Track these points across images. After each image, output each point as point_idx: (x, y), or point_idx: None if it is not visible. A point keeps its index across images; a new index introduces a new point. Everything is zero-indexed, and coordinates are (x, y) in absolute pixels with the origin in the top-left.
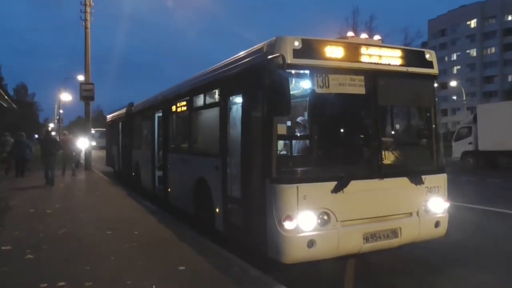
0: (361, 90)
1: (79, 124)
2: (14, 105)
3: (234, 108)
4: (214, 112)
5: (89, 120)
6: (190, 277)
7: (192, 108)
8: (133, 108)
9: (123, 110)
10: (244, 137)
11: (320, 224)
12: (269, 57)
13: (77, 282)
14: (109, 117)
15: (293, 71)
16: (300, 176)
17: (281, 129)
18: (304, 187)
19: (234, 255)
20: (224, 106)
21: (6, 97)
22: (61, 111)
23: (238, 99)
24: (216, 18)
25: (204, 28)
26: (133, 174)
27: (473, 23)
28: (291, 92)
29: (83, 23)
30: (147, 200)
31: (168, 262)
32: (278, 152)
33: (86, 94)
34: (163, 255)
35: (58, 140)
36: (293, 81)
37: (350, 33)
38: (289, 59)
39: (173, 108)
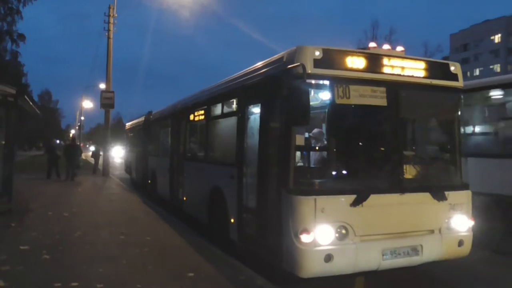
0: (383, 102)
1: (99, 131)
2: (37, 111)
3: (252, 117)
4: (231, 122)
5: (108, 128)
6: (197, 283)
7: (209, 117)
8: (151, 117)
9: (142, 118)
10: (261, 147)
11: (338, 238)
12: (289, 66)
13: (89, 283)
14: (128, 125)
15: (313, 81)
16: (318, 188)
17: (299, 139)
18: (322, 200)
19: (242, 264)
20: (241, 115)
21: (30, 103)
22: (82, 118)
23: (256, 109)
24: (235, 30)
25: (223, 40)
26: (149, 181)
27: (497, 38)
28: (310, 103)
29: (106, 33)
30: (161, 208)
31: (177, 268)
32: (296, 163)
33: (106, 102)
34: (173, 261)
35: (80, 146)
36: (313, 91)
37: (372, 44)
38: (310, 69)
39: (191, 117)
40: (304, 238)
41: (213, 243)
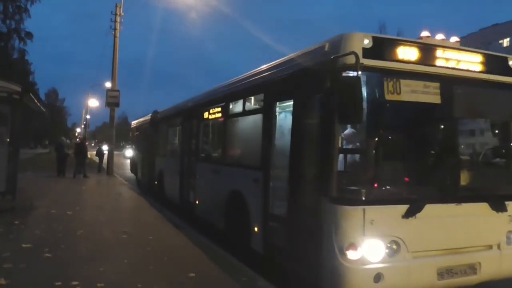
0: (436, 99)
1: (104, 129)
2: (43, 109)
3: (282, 115)
4: (255, 120)
5: (113, 126)
6: (199, 284)
7: (227, 115)
8: (158, 115)
9: (148, 117)
10: (294, 148)
11: (389, 255)
12: (336, 56)
13: (90, 282)
14: (133, 123)
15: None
16: (367, 197)
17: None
18: (372, 210)
19: (244, 265)
20: (269, 112)
21: (36, 100)
22: (88, 116)
23: (288, 105)
24: (243, 30)
25: (230, 40)
26: (156, 182)
27: (506, 42)
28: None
29: (113, 32)
30: (166, 208)
31: (179, 268)
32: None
33: (111, 101)
34: (175, 262)
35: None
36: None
37: (425, 33)
38: (353, 60)
39: (205, 115)
40: (351, 254)
41: (231, 252)
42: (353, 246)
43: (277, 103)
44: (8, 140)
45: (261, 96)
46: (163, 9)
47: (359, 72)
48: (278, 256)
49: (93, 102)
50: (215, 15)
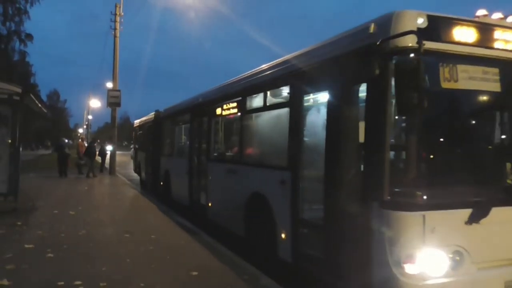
0: (496, 87)
1: (107, 129)
2: (44, 110)
3: (314, 108)
4: (280, 115)
5: (115, 126)
6: (201, 282)
7: (245, 111)
8: (163, 113)
9: (152, 115)
10: (332, 145)
11: (452, 267)
12: (388, 37)
13: (92, 282)
14: (136, 122)
15: (413, 55)
16: (427, 201)
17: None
18: (433, 216)
19: (246, 262)
20: (296, 106)
21: (37, 101)
22: (89, 117)
23: (321, 97)
24: (242, 29)
25: (230, 39)
26: (161, 183)
27: None
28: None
29: (113, 32)
30: (173, 210)
31: (181, 266)
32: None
33: (113, 101)
34: (177, 260)
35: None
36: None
37: (482, 11)
38: (411, 41)
39: (217, 111)
40: (409, 268)
41: (252, 261)
42: (411, 258)
43: (307, 95)
44: (9, 141)
45: (287, 88)
46: (163, 8)
47: (420, 55)
48: (310, 266)
49: (95, 103)
50: (214, 14)
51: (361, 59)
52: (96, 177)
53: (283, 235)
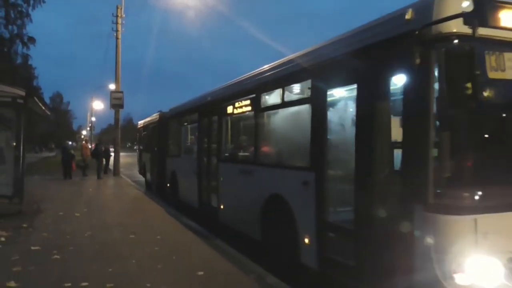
0: None
1: (110, 131)
2: (48, 112)
3: (341, 103)
4: (300, 111)
5: (118, 128)
6: (207, 281)
7: (259, 108)
8: (169, 112)
9: (156, 115)
10: (364, 143)
11: (507, 278)
12: (431, 22)
13: (99, 282)
14: (140, 123)
15: (456, 41)
16: (479, 203)
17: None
18: (486, 220)
19: (252, 262)
20: (319, 102)
21: (40, 104)
22: (93, 119)
23: (348, 91)
24: (244, 29)
25: (232, 38)
26: (168, 185)
27: None
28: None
29: (114, 34)
30: (175, 209)
31: (187, 266)
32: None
33: (115, 102)
34: (183, 260)
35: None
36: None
37: None
38: (456, 27)
39: (228, 109)
40: (459, 278)
41: (266, 264)
42: (461, 267)
43: (331, 89)
44: (14, 144)
45: (308, 83)
46: (164, 9)
47: (473, 41)
48: (338, 273)
49: (98, 105)
50: (216, 14)
51: (397, 48)
52: (101, 178)
53: (306, 240)
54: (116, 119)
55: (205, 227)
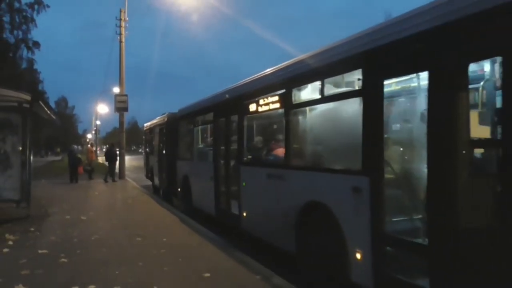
0: None
1: (115, 134)
2: (53, 116)
3: (402, 96)
4: (347, 106)
5: (123, 131)
6: (214, 283)
7: (291, 105)
8: (179, 113)
9: (165, 116)
10: (440, 143)
11: None
12: None
13: (106, 285)
14: (146, 125)
15: None
16: None
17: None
18: None
19: (258, 263)
20: (374, 94)
21: (45, 108)
22: (98, 122)
23: (413, 81)
24: (249, 31)
25: (237, 40)
26: (179, 189)
27: None
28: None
29: (118, 37)
30: (177, 208)
31: (194, 268)
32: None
33: (120, 106)
34: (189, 262)
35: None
36: None
37: None
38: None
39: (251, 107)
40: None
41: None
42: None
43: (389, 79)
44: (20, 148)
45: (357, 73)
46: (168, 12)
47: None
48: None
49: (103, 108)
50: (221, 16)
51: (495, 24)
52: (107, 182)
53: (357, 255)
54: (121, 122)
55: (216, 231)
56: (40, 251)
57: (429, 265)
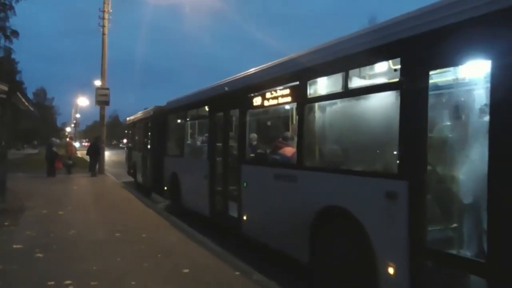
0: None
1: (95, 128)
2: (31, 108)
3: (453, 88)
4: (379, 100)
5: (104, 125)
6: (193, 279)
7: (306, 99)
8: (167, 106)
9: (151, 109)
10: (504, 142)
11: None
12: None
13: (83, 281)
14: (130, 119)
15: None
16: None
17: None
18: None
19: (238, 259)
20: (417, 87)
21: (23, 99)
22: (78, 115)
23: (466, 71)
24: (235, 27)
25: (222, 36)
26: (166, 187)
27: None
28: None
29: (101, 29)
30: (169, 210)
31: (173, 264)
32: None
33: (101, 99)
34: (168, 258)
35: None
36: None
37: None
38: None
39: (255, 101)
40: None
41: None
42: None
43: (435, 69)
44: None
45: (394, 62)
46: (152, 7)
47: None
48: None
49: (83, 101)
50: (207, 11)
51: None
52: (95, 176)
53: (390, 269)
54: (102, 116)
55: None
56: (14, 246)
57: (487, 286)
